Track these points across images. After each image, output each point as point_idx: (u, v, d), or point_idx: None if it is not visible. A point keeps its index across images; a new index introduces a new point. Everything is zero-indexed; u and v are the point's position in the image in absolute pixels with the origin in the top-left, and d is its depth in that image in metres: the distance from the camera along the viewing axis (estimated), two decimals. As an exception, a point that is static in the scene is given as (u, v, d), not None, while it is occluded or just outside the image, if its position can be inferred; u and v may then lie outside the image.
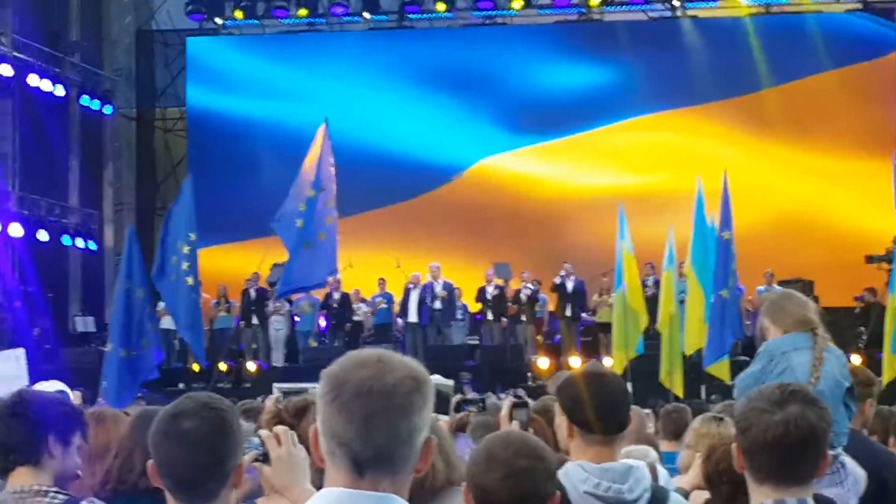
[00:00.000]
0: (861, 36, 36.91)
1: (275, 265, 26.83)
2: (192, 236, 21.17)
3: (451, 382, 19.67)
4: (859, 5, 36.46)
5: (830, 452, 5.80)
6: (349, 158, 32.48)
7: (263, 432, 5.08)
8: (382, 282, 32.10)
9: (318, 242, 21.78)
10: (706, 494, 7.16)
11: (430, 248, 34.55)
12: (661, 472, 7.91)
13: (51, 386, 22.33)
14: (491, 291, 31.02)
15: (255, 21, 38.28)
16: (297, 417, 6.04)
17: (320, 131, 22.40)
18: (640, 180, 35.90)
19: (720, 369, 22.35)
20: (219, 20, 38.26)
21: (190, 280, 21.65)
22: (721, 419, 9.33)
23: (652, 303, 26.67)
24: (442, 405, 14.45)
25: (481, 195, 37.19)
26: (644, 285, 27.56)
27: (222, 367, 29.84)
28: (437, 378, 15.47)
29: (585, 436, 6.10)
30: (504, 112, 37.84)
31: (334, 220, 22.24)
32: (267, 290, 29.45)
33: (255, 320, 31.10)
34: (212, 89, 38.78)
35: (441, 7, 37.36)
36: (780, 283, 27.21)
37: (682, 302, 24.69)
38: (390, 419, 3.75)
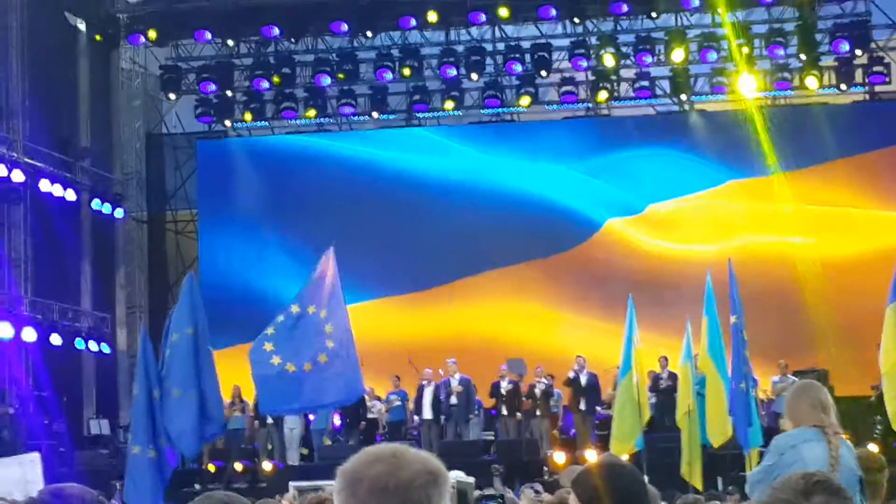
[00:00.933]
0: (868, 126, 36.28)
1: None
2: (190, 331, 19.51)
3: (471, 479, 19.34)
4: (866, 97, 36.18)
5: None
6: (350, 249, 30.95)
7: None
8: (397, 379, 31.41)
9: (336, 362, 20.05)
10: None
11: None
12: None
13: (28, 463, 21.29)
14: (505, 386, 30.13)
15: (265, 122, 37.98)
16: None
17: (328, 256, 20.92)
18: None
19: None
20: (228, 122, 37.80)
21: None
22: None
23: (667, 395, 26.85)
24: (462, 500, 14.19)
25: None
26: (658, 378, 27.86)
27: (238, 466, 29.37)
28: (458, 474, 16.26)
29: None
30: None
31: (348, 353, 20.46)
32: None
33: (269, 420, 30.07)
34: (223, 191, 38.28)
35: (449, 105, 37.13)
36: (795, 374, 26.91)
37: (699, 394, 24.06)
38: (409, 485, 3.67)
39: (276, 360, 19.64)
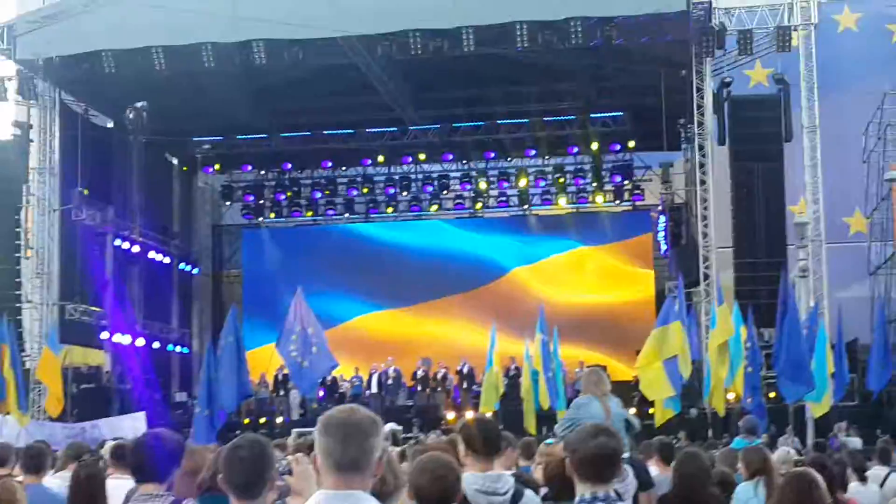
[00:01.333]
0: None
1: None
2: (232, 339, 20.04)
3: (400, 427, 19.08)
4: (630, 207, 36.06)
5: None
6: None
7: (290, 457, 5.39)
8: (356, 369, 31.85)
9: (313, 356, 20.62)
10: (545, 490, 7.34)
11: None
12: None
13: (137, 419, 24.81)
14: (419, 374, 31.15)
15: (282, 218, 38.15)
16: (308, 449, 5.55)
17: (298, 295, 21.18)
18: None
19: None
20: (260, 218, 37.99)
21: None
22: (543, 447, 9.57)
23: (514, 379, 26.46)
24: (395, 439, 14.27)
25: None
26: (508, 369, 27.34)
27: (262, 420, 29.80)
28: (392, 425, 15.70)
29: (475, 456, 6.30)
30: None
31: (320, 348, 20.82)
32: (287, 375, 27.85)
33: (281, 392, 30.78)
34: (257, 258, 38.20)
35: (389, 209, 37.65)
36: (588, 367, 22.63)
37: (533, 380, 23.43)
38: (358, 439, 3.82)
39: (298, 358, 20.64)
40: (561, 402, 21.86)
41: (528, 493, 6.42)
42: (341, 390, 31.31)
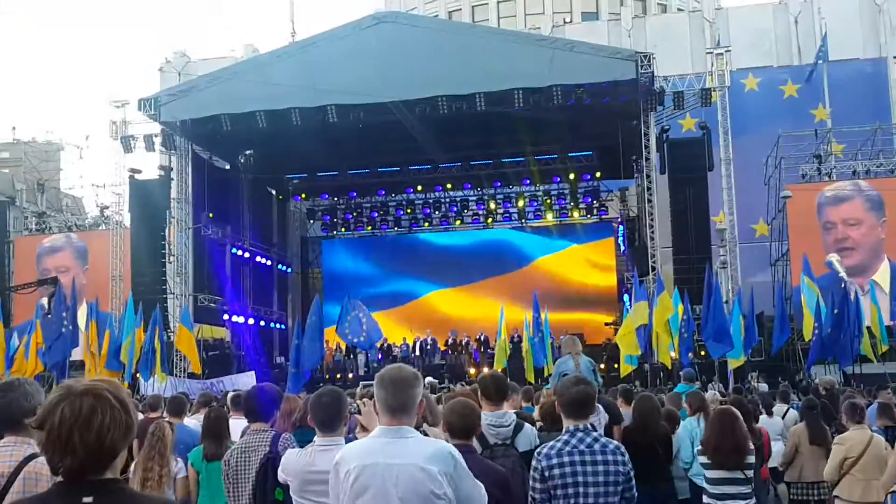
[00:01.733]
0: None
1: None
2: (314, 319, 19.64)
3: (436, 380, 19.28)
4: (598, 220, 34.95)
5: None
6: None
7: (359, 401, 5.19)
8: (404, 339, 31.25)
9: (368, 332, 20.43)
10: (541, 423, 7.16)
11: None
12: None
13: (249, 376, 24.45)
14: (449, 342, 31.04)
15: (350, 232, 37.40)
16: (370, 397, 4.95)
17: (352, 301, 20.59)
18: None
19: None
20: (335, 231, 37.55)
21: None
22: (545, 391, 9.22)
23: (517, 344, 25.68)
24: (432, 388, 14.38)
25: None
26: (512, 338, 26.38)
27: (338, 376, 29.38)
28: (430, 378, 16.15)
29: (489, 400, 6.08)
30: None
31: (369, 327, 20.55)
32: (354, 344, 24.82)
33: (351, 356, 30.64)
34: (333, 260, 37.74)
35: (458, 223, 36.47)
36: (569, 334, 22.07)
37: (532, 343, 22.54)
38: (405, 389, 3.69)
39: (350, 335, 20.53)
40: (548, 360, 21.34)
41: (527, 426, 6.37)
42: (393, 353, 30.90)
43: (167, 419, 7.93)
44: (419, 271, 36.39)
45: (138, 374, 22.06)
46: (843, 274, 26.33)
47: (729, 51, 27.94)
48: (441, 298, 36.23)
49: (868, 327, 20.45)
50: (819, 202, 27.52)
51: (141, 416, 9.68)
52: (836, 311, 18.86)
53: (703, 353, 22.34)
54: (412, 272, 36.41)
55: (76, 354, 22.78)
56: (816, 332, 19.18)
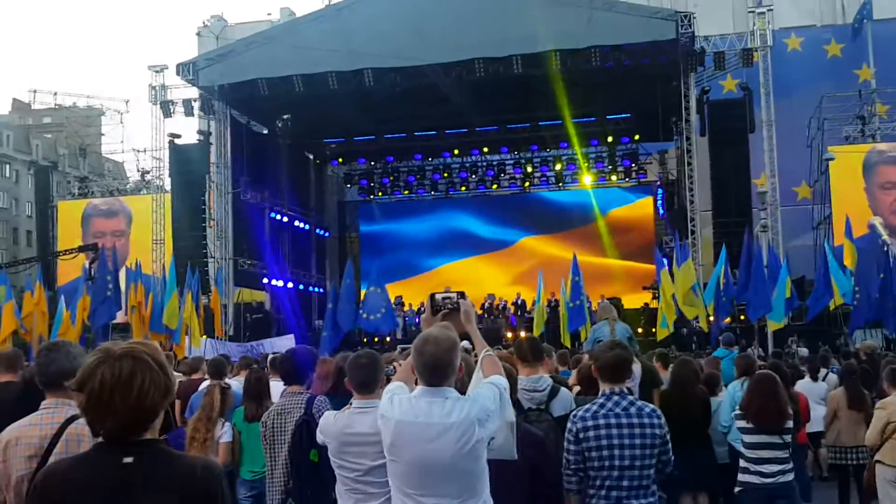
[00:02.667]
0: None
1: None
2: (349, 281, 20.22)
3: (470, 345, 20.10)
4: (636, 183, 34.66)
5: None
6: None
7: (395, 363, 5.09)
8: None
9: (384, 316, 20.37)
10: (578, 388, 7.20)
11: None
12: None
13: (288, 339, 23.81)
14: (486, 306, 30.86)
15: (386, 197, 37.37)
16: (406, 356, 5.07)
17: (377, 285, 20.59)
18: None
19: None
20: (371, 196, 37.37)
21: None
22: (584, 356, 8.77)
23: (554, 308, 25.41)
24: (468, 351, 16.32)
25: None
26: (550, 302, 26.01)
27: (375, 339, 27.97)
28: (465, 342, 18.21)
29: (522, 363, 6.14)
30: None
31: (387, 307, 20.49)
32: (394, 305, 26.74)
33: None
34: (370, 223, 37.87)
35: (495, 187, 36.05)
36: (608, 299, 23.15)
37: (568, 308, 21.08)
38: (442, 353, 3.73)
39: (364, 314, 20.21)
40: (587, 325, 20.91)
41: (563, 390, 6.31)
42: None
43: (221, 382, 7.90)
44: (447, 236, 36.45)
45: (186, 336, 22.59)
46: (885, 237, 25.53)
47: (771, 10, 27.49)
48: (477, 264, 36.17)
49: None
50: (872, 161, 27.32)
51: (183, 378, 10.03)
52: (881, 276, 18.27)
53: (742, 317, 22.05)
54: (440, 235, 36.49)
55: (118, 317, 23.01)
56: (858, 296, 18.66)
